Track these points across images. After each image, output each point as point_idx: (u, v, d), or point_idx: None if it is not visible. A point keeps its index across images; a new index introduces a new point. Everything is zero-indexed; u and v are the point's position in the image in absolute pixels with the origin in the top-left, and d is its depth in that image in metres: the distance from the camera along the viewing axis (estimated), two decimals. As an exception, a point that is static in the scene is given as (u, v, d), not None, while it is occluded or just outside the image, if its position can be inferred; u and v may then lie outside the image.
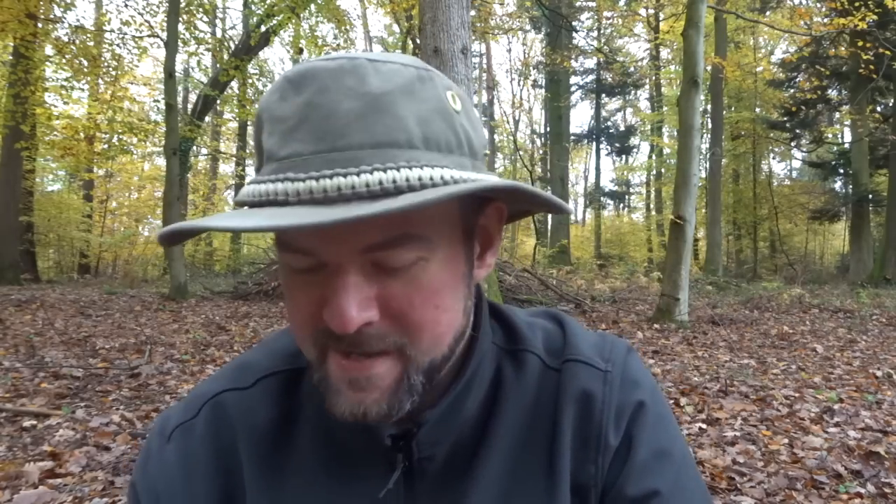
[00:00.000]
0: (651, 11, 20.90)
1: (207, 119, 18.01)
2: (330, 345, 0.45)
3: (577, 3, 22.21)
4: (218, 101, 15.95)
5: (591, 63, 25.45)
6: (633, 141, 28.64)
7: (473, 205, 0.50)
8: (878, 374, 4.58)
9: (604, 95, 27.24)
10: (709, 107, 18.00)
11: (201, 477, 0.55)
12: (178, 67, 15.07)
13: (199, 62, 13.59)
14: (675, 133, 18.07)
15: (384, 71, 0.43)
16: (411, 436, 0.52)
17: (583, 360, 0.56)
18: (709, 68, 14.75)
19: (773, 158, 25.31)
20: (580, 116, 70.64)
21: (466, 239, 0.49)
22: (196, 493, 0.54)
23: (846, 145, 17.98)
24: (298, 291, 0.46)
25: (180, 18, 10.76)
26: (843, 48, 13.50)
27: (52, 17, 11.52)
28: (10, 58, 12.14)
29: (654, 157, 25.33)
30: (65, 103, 12.17)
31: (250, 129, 23.62)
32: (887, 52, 11.52)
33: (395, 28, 19.81)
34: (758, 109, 20.91)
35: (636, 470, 0.53)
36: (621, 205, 30.83)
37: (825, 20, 12.85)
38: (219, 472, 0.55)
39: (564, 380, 0.56)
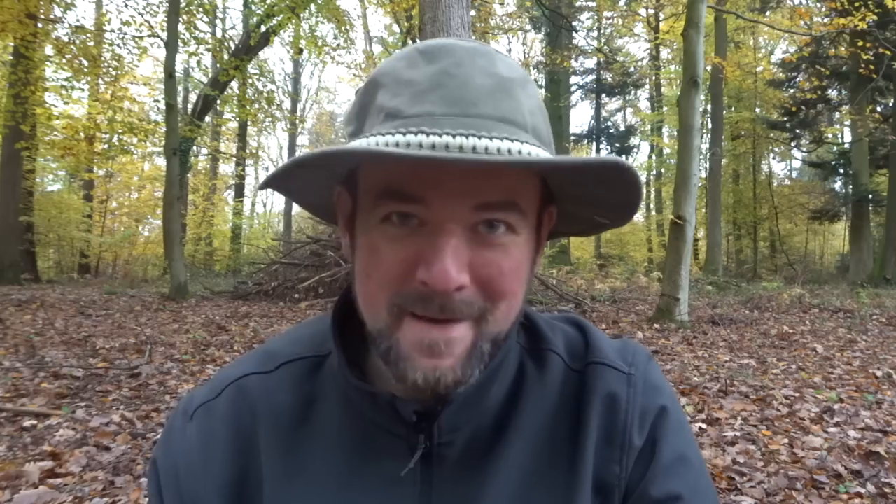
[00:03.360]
0: (651, 11, 20.91)
1: (207, 119, 18.01)
2: (414, 309, 0.46)
3: (577, 3, 22.21)
4: (218, 101, 15.95)
5: (591, 63, 25.45)
6: (633, 141, 28.61)
7: (545, 202, 0.52)
8: (878, 374, 4.58)
9: (604, 95, 27.21)
10: (709, 107, 17.99)
11: (219, 456, 0.55)
12: (178, 67, 15.06)
13: (199, 62, 13.59)
14: (675, 133, 18.08)
15: (507, 62, 0.49)
16: (434, 416, 0.52)
17: (607, 363, 0.58)
18: (709, 68, 14.75)
19: (773, 158, 25.33)
20: (580, 116, 70.80)
21: (537, 230, 0.52)
22: (213, 472, 0.55)
23: (846, 145, 17.97)
24: (388, 249, 0.47)
25: (180, 18, 10.76)
26: (843, 48, 13.50)
27: (52, 17, 11.52)
28: (10, 58, 12.14)
29: (654, 157, 25.33)
30: (65, 103, 12.18)
31: (251, 130, 23.70)
32: (887, 52, 11.52)
33: (396, 28, 19.81)
34: (758, 109, 20.92)
35: (660, 472, 0.54)
36: (621, 205, 30.76)
37: (825, 20, 12.85)
38: (237, 452, 0.56)
39: (589, 381, 0.57)
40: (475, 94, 0.45)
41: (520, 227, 0.47)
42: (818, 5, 15.42)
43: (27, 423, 3.20)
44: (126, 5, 11.72)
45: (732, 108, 21.10)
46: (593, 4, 22.31)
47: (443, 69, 0.46)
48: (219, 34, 17.84)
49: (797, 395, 3.94)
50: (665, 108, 22.30)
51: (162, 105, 12.04)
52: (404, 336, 0.47)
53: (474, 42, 0.49)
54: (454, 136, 0.43)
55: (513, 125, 0.46)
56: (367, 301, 0.49)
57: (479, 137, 0.43)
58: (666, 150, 23.06)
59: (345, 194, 0.53)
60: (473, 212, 0.45)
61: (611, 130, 28.31)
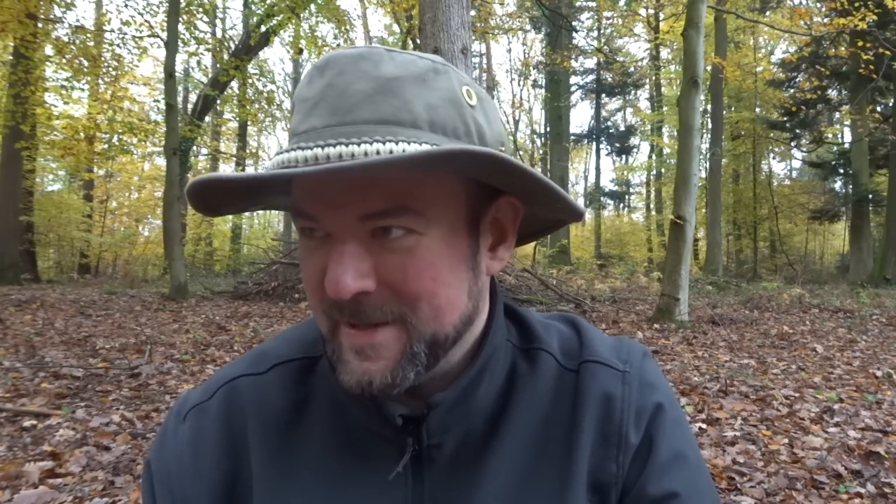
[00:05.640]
0: (651, 11, 20.90)
1: (207, 119, 18.01)
2: (337, 316, 0.48)
3: (577, 3, 22.20)
4: (218, 101, 15.95)
5: (591, 63, 25.46)
6: (633, 141, 28.64)
7: (484, 194, 0.51)
8: (878, 374, 4.58)
9: (604, 95, 27.22)
10: (709, 107, 17.99)
11: (210, 458, 0.56)
12: (178, 67, 15.05)
13: (199, 62, 13.57)
14: (675, 133, 18.07)
15: (399, 60, 0.47)
16: (422, 419, 0.52)
17: (601, 361, 0.58)
18: (709, 68, 14.75)
19: (773, 158, 25.31)
20: (580, 116, 70.72)
21: (471, 224, 0.50)
22: (204, 474, 0.55)
23: (846, 145, 17.97)
24: (307, 262, 0.49)
25: (180, 18, 10.76)
26: (843, 48, 13.50)
27: (52, 17, 11.52)
28: (10, 58, 12.14)
29: (654, 157, 25.33)
30: (65, 103, 12.17)
31: (251, 130, 23.70)
32: (887, 52, 11.52)
33: (396, 28, 19.81)
34: (758, 109, 20.91)
35: (657, 471, 0.54)
36: (621, 205, 30.83)
37: (825, 20, 12.85)
38: (228, 454, 0.56)
39: (583, 380, 0.56)
40: (352, 101, 0.45)
41: (422, 227, 0.46)
42: (818, 5, 15.42)
43: (27, 423, 3.20)
44: (126, 5, 11.72)
45: (732, 108, 21.10)
46: (593, 4, 22.30)
47: (328, 81, 0.46)
48: (219, 34, 17.85)
49: (797, 395, 3.94)
50: (665, 108, 22.29)
51: (162, 105, 12.04)
52: (342, 339, 0.48)
53: (365, 47, 0.48)
54: (324, 146, 0.43)
55: (395, 125, 0.45)
56: (312, 308, 0.51)
57: (348, 144, 0.43)
58: (666, 150, 23.05)
59: None
60: (360, 221, 0.45)
61: (611, 130, 28.33)
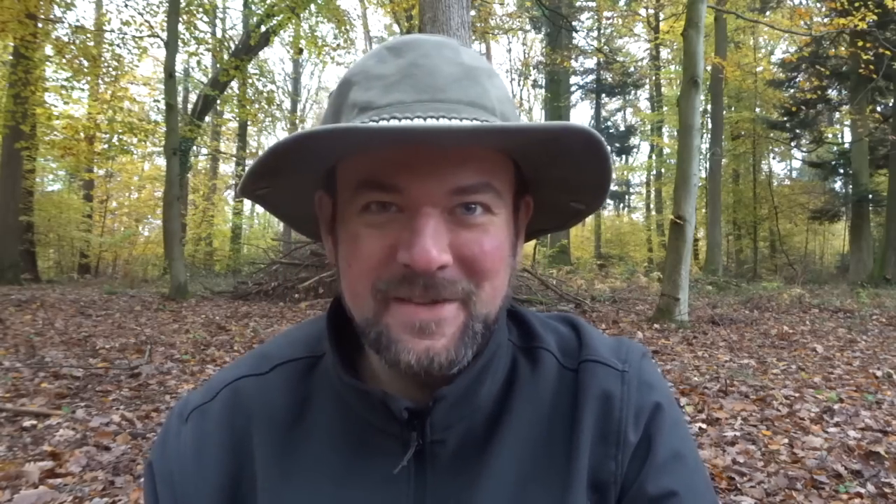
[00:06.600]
0: (651, 11, 20.90)
1: (207, 119, 18.00)
2: (398, 293, 0.47)
3: (577, 3, 22.21)
4: (218, 101, 15.94)
5: (591, 63, 25.47)
6: (633, 141, 28.64)
7: (521, 189, 0.54)
8: (878, 374, 4.58)
9: (604, 95, 27.23)
10: (709, 107, 17.99)
11: (213, 459, 0.56)
12: (178, 67, 15.05)
13: (199, 62, 13.57)
14: (675, 133, 18.07)
15: (472, 54, 0.51)
16: (426, 414, 0.52)
17: (600, 360, 0.58)
18: (709, 68, 14.75)
19: (773, 158, 25.32)
20: (580, 116, 70.33)
21: (515, 214, 0.54)
22: (207, 476, 0.55)
23: (846, 145, 17.97)
24: (369, 237, 0.48)
25: (180, 18, 10.76)
26: (843, 48, 13.50)
27: (52, 17, 11.52)
28: (10, 58, 12.14)
29: (654, 157, 25.33)
30: (65, 103, 12.18)
31: (251, 130, 23.70)
32: (887, 52, 11.52)
33: (396, 28, 19.80)
34: (758, 109, 20.91)
35: (655, 469, 0.54)
36: (621, 205, 30.83)
37: (825, 20, 12.85)
38: (231, 455, 0.56)
39: (583, 379, 0.57)
40: (443, 81, 0.47)
41: (496, 207, 0.49)
42: (818, 5, 15.42)
43: (27, 423, 3.20)
44: (126, 5, 11.72)
45: (732, 108, 21.10)
46: (593, 4, 22.31)
47: (411, 61, 0.48)
48: (219, 34, 17.84)
49: (797, 395, 3.93)
50: (665, 108, 22.29)
51: (162, 105, 12.03)
52: (393, 319, 0.48)
53: (439, 36, 0.51)
54: (425, 118, 0.44)
55: (482, 109, 0.47)
56: (351, 291, 0.50)
57: (450, 119, 0.45)
58: (666, 150, 23.05)
59: (325, 197, 0.55)
60: (449, 195, 0.46)
61: (611, 130, 28.30)
